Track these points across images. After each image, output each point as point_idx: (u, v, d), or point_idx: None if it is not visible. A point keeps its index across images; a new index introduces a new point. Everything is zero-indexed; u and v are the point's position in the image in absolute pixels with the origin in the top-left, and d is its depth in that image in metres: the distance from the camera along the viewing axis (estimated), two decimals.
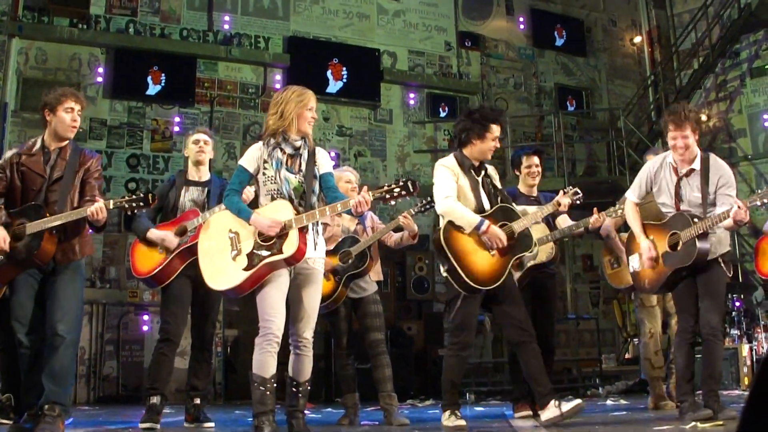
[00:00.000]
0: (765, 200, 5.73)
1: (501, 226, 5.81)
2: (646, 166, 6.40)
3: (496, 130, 6.03)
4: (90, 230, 5.63)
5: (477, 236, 5.83)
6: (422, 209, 7.09)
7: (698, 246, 5.76)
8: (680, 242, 5.87)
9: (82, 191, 5.45)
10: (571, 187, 6.38)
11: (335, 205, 5.04)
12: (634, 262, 6.37)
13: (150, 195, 5.40)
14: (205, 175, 7.04)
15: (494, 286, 5.80)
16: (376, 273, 7.10)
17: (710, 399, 5.76)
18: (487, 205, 5.96)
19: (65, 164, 5.50)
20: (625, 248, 6.71)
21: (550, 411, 5.73)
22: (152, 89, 13.58)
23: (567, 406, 5.66)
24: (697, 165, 5.99)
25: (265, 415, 4.94)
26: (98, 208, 5.22)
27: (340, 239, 6.97)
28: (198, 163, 7.01)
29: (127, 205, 5.36)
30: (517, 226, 5.82)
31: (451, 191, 5.94)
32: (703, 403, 5.79)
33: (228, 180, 7.60)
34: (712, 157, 6.07)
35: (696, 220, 5.82)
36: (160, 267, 6.61)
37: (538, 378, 5.86)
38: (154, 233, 6.68)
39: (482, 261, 5.82)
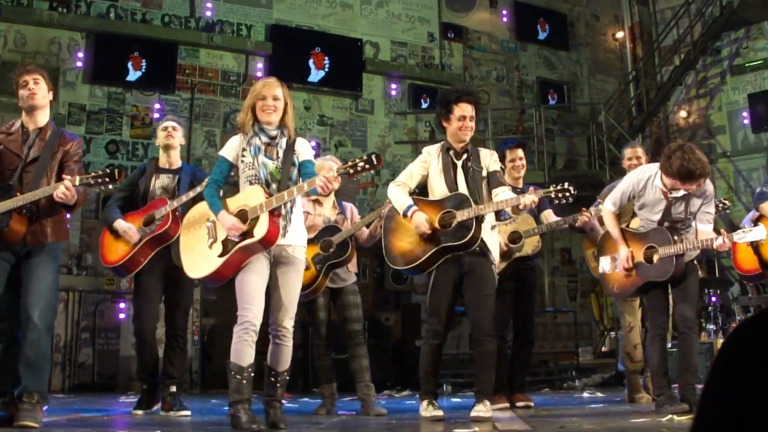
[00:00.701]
0: (750, 239, 5.79)
1: (446, 214, 5.73)
2: (628, 179, 6.29)
3: (458, 109, 5.91)
4: (68, 214, 5.55)
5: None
6: None
7: (675, 264, 5.86)
8: (656, 256, 5.92)
9: (60, 174, 5.35)
10: (556, 185, 6.12)
11: (302, 185, 5.02)
12: (605, 264, 6.41)
13: (116, 170, 5.27)
14: (176, 162, 7.03)
15: (407, 267, 5.91)
16: (353, 264, 7.08)
17: (687, 392, 5.79)
18: (462, 186, 5.87)
19: (43, 145, 5.43)
20: (597, 248, 6.72)
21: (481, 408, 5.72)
22: (132, 75, 13.47)
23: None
24: (678, 195, 5.99)
25: (241, 404, 4.91)
26: (65, 189, 5.11)
27: (321, 228, 6.95)
28: (167, 148, 6.99)
29: (93, 182, 5.20)
30: (459, 216, 5.68)
31: (404, 178, 6.04)
32: (680, 396, 5.82)
33: (200, 168, 7.60)
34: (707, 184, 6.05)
35: (676, 237, 5.88)
36: (128, 256, 6.65)
37: (479, 375, 5.84)
38: (119, 224, 6.70)
39: (405, 242, 5.89)
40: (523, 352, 7.59)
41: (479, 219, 5.68)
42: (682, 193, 5.89)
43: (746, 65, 16.37)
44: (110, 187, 5.68)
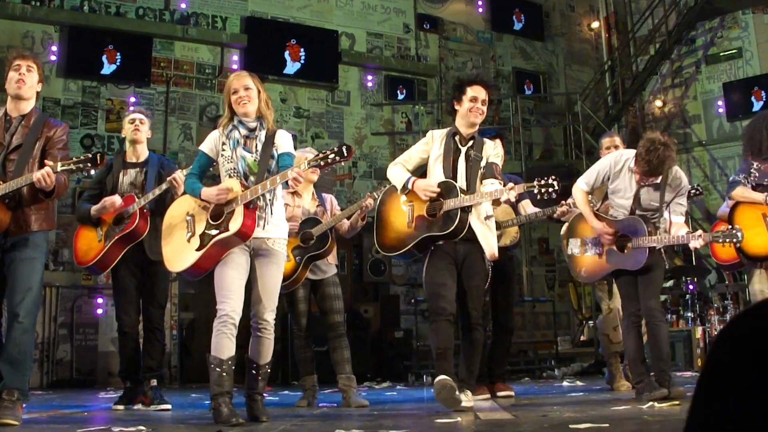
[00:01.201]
0: (727, 240, 5.83)
1: (434, 202, 5.73)
2: (605, 160, 6.39)
3: (471, 90, 5.89)
4: (45, 197, 5.46)
5: (406, 204, 5.88)
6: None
7: (647, 256, 5.92)
8: (629, 245, 5.99)
9: (43, 161, 5.26)
10: (540, 179, 6.08)
11: (274, 178, 5.01)
12: (574, 246, 6.48)
13: (98, 155, 5.21)
14: (143, 155, 7.00)
15: (394, 253, 5.94)
16: (333, 256, 7.07)
17: (662, 378, 5.85)
18: (461, 175, 5.85)
19: (27, 132, 5.36)
20: (567, 229, 6.77)
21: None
22: (107, 68, 13.36)
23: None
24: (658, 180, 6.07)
25: (222, 397, 4.89)
26: (44, 174, 5.05)
27: (301, 220, 6.93)
28: (134, 142, 6.96)
29: (74, 167, 5.11)
30: (446, 205, 5.68)
31: (404, 158, 6.05)
32: (657, 383, 5.87)
33: (167, 157, 7.57)
34: (674, 168, 6.13)
35: (650, 229, 5.96)
36: (100, 255, 6.65)
37: (464, 364, 5.84)
38: (94, 208, 6.68)
39: (395, 228, 5.91)
40: (502, 342, 7.61)
41: (466, 209, 5.67)
42: (652, 180, 6.02)
43: (721, 54, 16.46)
44: (92, 172, 5.62)
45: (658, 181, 5.99)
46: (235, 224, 4.96)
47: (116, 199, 6.61)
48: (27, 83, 5.41)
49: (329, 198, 7.33)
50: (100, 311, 11.84)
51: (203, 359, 12.46)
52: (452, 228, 5.62)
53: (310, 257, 6.80)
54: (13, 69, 5.41)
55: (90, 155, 5.16)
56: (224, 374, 4.94)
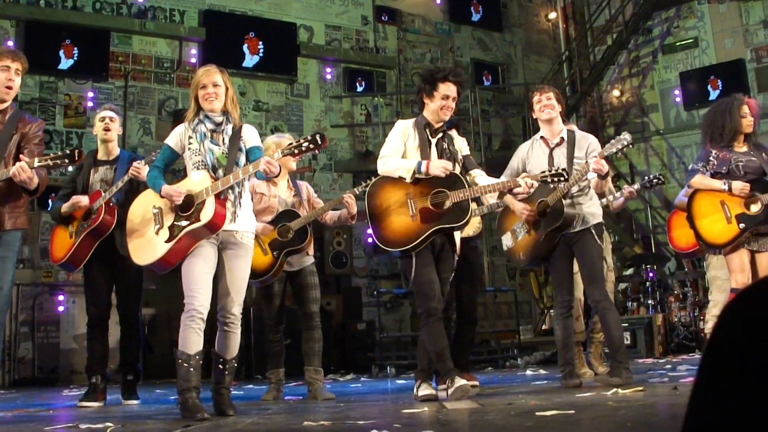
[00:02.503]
0: (619, 146, 5.98)
1: (437, 193, 5.64)
2: (518, 150, 6.65)
3: (444, 87, 5.85)
4: (30, 196, 5.41)
5: (403, 196, 5.73)
6: (366, 189, 7.08)
7: (565, 204, 6.08)
8: (548, 207, 6.13)
9: (18, 157, 5.20)
10: (550, 169, 6.07)
11: (247, 167, 5.02)
12: (507, 240, 6.64)
13: (76, 151, 5.19)
14: (114, 152, 7.00)
15: (402, 249, 5.70)
16: (310, 247, 7.05)
17: (614, 363, 6.05)
18: None
19: (2, 128, 5.31)
20: (498, 230, 6.91)
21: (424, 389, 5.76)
22: (65, 63, 13.25)
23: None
24: (564, 135, 6.37)
25: (189, 392, 4.88)
26: (19, 168, 5.01)
27: (277, 211, 6.90)
28: (105, 141, 6.96)
29: (52, 163, 5.09)
30: (455, 196, 5.61)
31: (390, 151, 5.86)
32: (612, 371, 6.07)
33: (138, 154, 7.55)
34: (576, 130, 6.53)
35: (559, 185, 6.08)
36: (71, 251, 6.66)
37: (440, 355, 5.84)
38: (66, 204, 6.71)
39: (398, 222, 5.73)
40: (466, 332, 7.65)
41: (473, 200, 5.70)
42: (557, 138, 6.36)
43: (677, 44, 16.64)
44: (69, 169, 5.58)
45: (564, 137, 6.35)
46: (206, 215, 4.95)
47: (82, 198, 6.62)
48: (14, 89, 5.37)
49: (304, 185, 7.27)
50: (61, 308, 11.75)
51: (166, 355, 12.49)
52: (465, 219, 5.62)
53: (288, 252, 6.77)
54: (2, 69, 5.34)
55: (68, 151, 5.13)
56: (191, 369, 4.93)
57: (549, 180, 5.73)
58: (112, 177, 6.82)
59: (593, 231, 6.22)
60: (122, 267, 6.71)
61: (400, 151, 5.88)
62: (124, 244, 6.39)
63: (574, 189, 6.12)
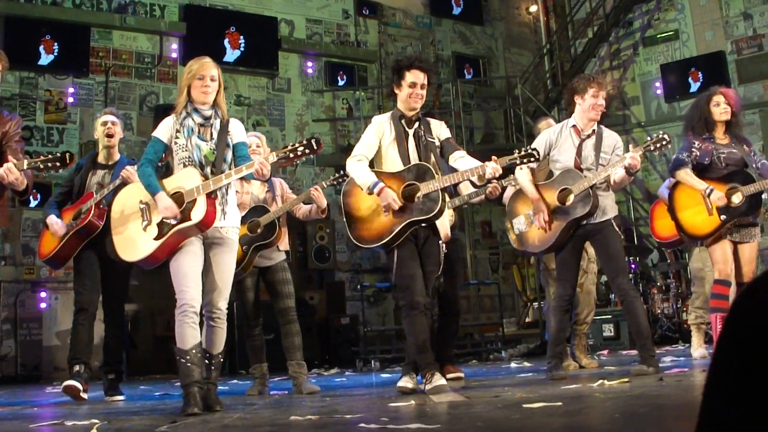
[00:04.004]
0: (657, 145, 6.02)
1: (408, 186, 5.65)
2: (544, 133, 6.59)
3: (410, 76, 5.83)
4: (20, 197, 5.37)
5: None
6: (334, 182, 7.07)
7: (593, 196, 6.07)
8: (572, 195, 6.11)
9: (1, 157, 5.15)
10: (519, 150, 6.01)
11: (240, 168, 4.98)
12: (520, 224, 6.60)
13: (67, 154, 5.18)
14: (114, 156, 7.02)
15: (377, 245, 5.71)
16: (283, 243, 7.04)
17: (645, 353, 6.01)
18: (414, 156, 5.82)
19: None
20: (507, 214, 6.88)
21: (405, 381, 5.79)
22: (45, 59, 13.11)
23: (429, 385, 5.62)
24: (594, 128, 6.36)
25: (191, 386, 4.88)
26: (6, 170, 4.98)
27: (249, 208, 6.89)
28: (107, 147, 6.97)
29: (42, 165, 5.08)
30: (425, 188, 5.60)
31: (362, 150, 5.85)
32: (640, 359, 6.04)
33: (136, 160, 7.50)
34: (603, 127, 6.50)
35: (586, 174, 6.15)
36: (56, 249, 6.69)
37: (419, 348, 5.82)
38: (48, 219, 6.74)
39: (372, 219, 5.74)
40: (449, 325, 7.65)
41: (444, 190, 5.66)
42: (590, 130, 6.33)
43: (658, 36, 16.67)
44: (60, 171, 5.58)
45: (594, 130, 6.35)
46: (197, 214, 4.92)
47: (59, 230, 6.64)
48: None
49: (278, 182, 7.26)
50: (43, 305, 11.70)
51: (149, 351, 12.45)
52: (436, 210, 5.58)
53: (257, 246, 6.76)
54: None
55: (59, 154, 5.13)
56: (190, 364, 4.92)
57: (518, 161, 5.70)
58: (108, 182, 6.81)
59: (613, 222, 6.28)
60: (111, 269, 6.76)
61: (373, 149, 5.89)
62: (110, 248, 6.43)
63: (594, 181, 6.10)
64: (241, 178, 5.93)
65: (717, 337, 1.41)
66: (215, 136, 5.22)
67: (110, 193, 6.56)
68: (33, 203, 6.88)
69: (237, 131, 5.34)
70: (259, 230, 6.76)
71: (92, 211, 6.54)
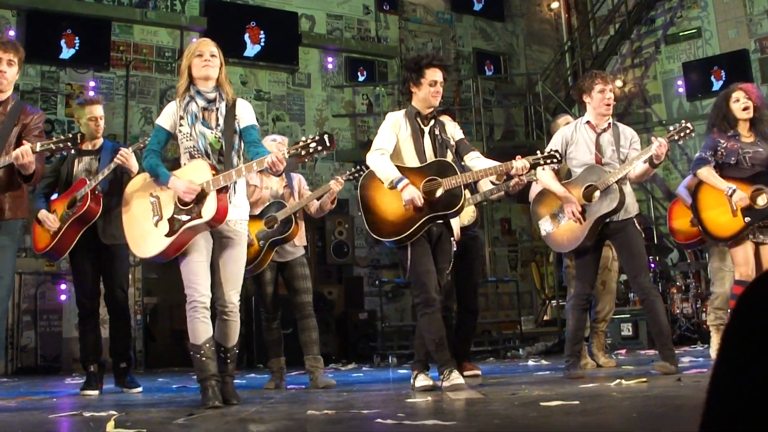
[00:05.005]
0: (681, 134, 5.99)
1: (429, 182, 5.62)
2: (560, 131, 6.59)
3: (430, 74, 5.83)
4: (24, 182, 5.37)
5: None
6: (353, 176, 7.05)
7: (620, 192, 6.05)
8: (597, 192, 6.09)
9: (19, 146, 5.18)
10: (542, 151, 5.85)
11: (251, 164, 4.89)
12: (546, 225, 6.53)
13: (79, 135, 5.20)
14: (98, 142, 6.98)
15: (395, 239, 5.68)
16: (300, 238, 7.05)
17: (665, 353, 6.01)
18: (429, 153, 5.80)
19: (4, 118, 5.29)
20: (531, 216, 6.86)
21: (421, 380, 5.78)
22: (66, 53, 13.16)
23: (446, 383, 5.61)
24: (609, 122, 6.39)
25: (207, 380, 4.89)
26: (23, 151, 4.99)
27: (268, 203, 6.91)
28: (94, 138, 6.94)
29: (54, 147, 5.08)
30: (447, 183, 5.58)
31: (384, 144, 5.81)
32: (661, 358, 6.04)
33: (121, 144, 7.51)
34: (618, 122, 6.52)
35: (609, 169, 6.13)
36: (55, 241, 6.65)
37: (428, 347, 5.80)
38: (41, 214, 6.71)
39: (391, 213, 5.70)
40: (467, 322, 7.66)
41: (465, 186, 5.65)
42: (605, 124, 6.34)
43: (680, 34, 16.57)
44: (72, 152, 5.58)
45: (609, 124, 6.37)
46: (208, 211, 4.86)
47: (54, 224, 6.63)
48: (8, 78, 5.34)
49: (297, 178, 7.27)
50: (63, 297, 11.75)
51: (167, 344, 12.50)
52: (458, 206, 5.58)
53: (273, 241, 6.77)
54: None
55: (70, 135, 5.13)
56: (204, 358, 4.92)
57: (541, 162, 5.69)
58: (97, 167, 6.79)
59: (635, 220, 6.27)
60: (108, 256, 6.77)
61: (392, 143, 5.85)
62: (107, 233, 6.45)
63: (619, 176, 6.08)
64: (260, 171, 5.91)
65: (722, 333, 1.40)
66: (221, 121, 5.13)
67: (105, 179, 6.58)
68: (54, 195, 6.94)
69: (245, 114, 5.24)
70: (275, 225, 6.77)
71: (89, 198, 6.50)
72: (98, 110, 6.94)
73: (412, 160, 5.80)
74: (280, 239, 6.80)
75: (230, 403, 5.04)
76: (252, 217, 6.74)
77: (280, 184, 7.07)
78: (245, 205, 5.32)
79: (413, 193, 5.53)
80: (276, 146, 6.74)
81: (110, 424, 3.69)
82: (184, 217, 4.90)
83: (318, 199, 7.00)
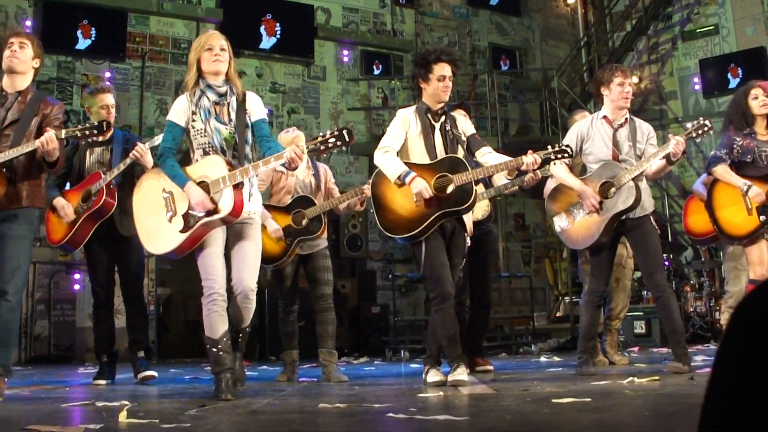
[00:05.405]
0: (699, 131, 5.95)
1: (440, 178, 5.60)
2: (575, 126, 6.55)
3: (438, 68, 5.81)
4: (49, 169, 5.38)
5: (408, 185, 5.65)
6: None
7: (636, 189, 6.03)
8: (613, 189, 6.06)
9: (39, 136, 5.20)
10: (554, 145, 5.84)
11: (268, 159, 4.85)
12: (561, 222, 6.49)
13: (104, 123, 5.23)
14: (109, 133, 6.90)
15: (406, 235, 5.67)
16: (324, 231, 7.02)
17: (678, 351, 5.99)
18: (440, 149, 5.78)
19: (23, 108, 5.33)
20: (546, 213, 6.83)
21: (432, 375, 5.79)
22: (82, 43, 13.21)
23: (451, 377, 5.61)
24: (626, 117, 6.36)
25: (222, 373, 4.89)
26: (48, 138, 5.01)
27: (293, 193, 6.88)
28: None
29: (80, 134, 5.12)
30: (458, 179, 5.56)
31: (389, 142, 5.79)
32: (674, 356, 6.04)
33: (131, 133, 7.50)
34: (634, 117, 6.49)
35: (625, 166, 6.10)
36: (70, 234, 6.65)
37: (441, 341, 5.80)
38: (57, 201, 6.67)
39: (402, 209, 5.69)
40: (480, 317, 7.65)
41: (476, 182, 5.64)
42: (622, 119, 6.31)
43: (697, 31, 16.51)
44: (99, 139, 5.60)
45: (626, 119, 6.34)
46: (225, 206, 4.85)
47: (71, 214, 6.62)
48: (20, 57, 5.38)
49: (323, 168, 7.23)
50: (77, 287, 11.80)
51: (181, 334, 12.53)
52: (469, 202, 5.57)
53: (301, 240, 6.76)
54: (7, 47, 5.40)
55: (96, 123, 5.16)
56: (221, 352, 4.91)
57: (552, 156, 5.68)
58: (109, 158, 6.79)
59: (651, 217, 6.27)
60: (124, 247, 6.77)
61: (400, 141, 5.83)
62: (124, 224, 6.45)
63: (636, 173, 6.05)
64: None
65: (723, 334, 1.40)
66: (233, 116, 5.11)
67: (120, 174, 6.58)
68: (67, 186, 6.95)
69: (255, 107, 5.22)
70: (304, 222, 6.74)
71: (104, 192, 6.50)
72: (109, 98, 6.92)
73: (422, 157, 5.77)
74: (308, 238, 6.80)
75: (235, 385, 5.09)
76: (278, 209, 6.78)
77: (307, 172, 7.04)
78: (258, 195, 5.32)
79: (421, 184, 5.54)
80: (293, 140, 6.76)
81: (122, 414, 3.70)
82: (200, 213, 4.87)
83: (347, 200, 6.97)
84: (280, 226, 6.69)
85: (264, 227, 6.43)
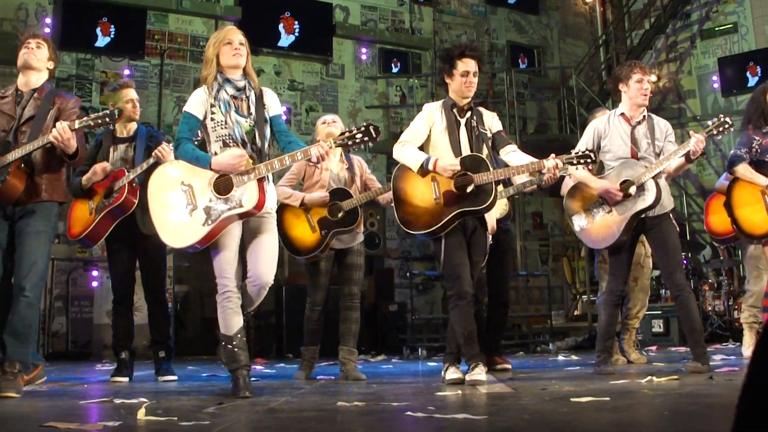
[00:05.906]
0: (720, 129, 5.92)
1: (461, 176, 5.58)
2: (592, 123, 6.52)
3: (462, 64, 5.78)
4: (69, 161, 5.39)
5: (428, 179, 5.68)
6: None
7: (656, 187, 6.00)
8: (633, 187, 6.03)
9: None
10: (577, 150, 5.80)
11: (294, 154, 4.87)
12: (580, 221, 6.44)
13: (117, 110, 5.23)
14: (132, 128, 6.97)
15: (424, 232, 5.66)
16: (359, 224, 6.97)
17: (697, 350, 5.98)
18: (465, 146, 5.75)
19: (38, 104, 5.36)
20: (565, 213, 6.79)
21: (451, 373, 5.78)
22: (101, 41, 13.29)
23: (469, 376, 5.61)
24: (644, 114, 6.32)
25: (239, 371, 4.90)
26: (61, 129, 5.02)
27: (328, 186, 6.86)
28: (131, 120, 6.94)
29: (93, 123, 5.11)
30: (478, 179, 5.54)
31: (409, 137, 5.81)
32: (693, 355, 6.03)
33: (154, 129, 7.51)
34: (652, 114, 6.44)
35: (645, 164, 6.07)
36: (90, 228, 6.66)
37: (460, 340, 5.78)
38: (85, 177, 6.67)
39: (421, 205, 5.69)
40: (498, 315, 7.63)
41: (497, 182, 5.62)
42: (640, 116, 6.28)
43: (716, 29, 16.44)
44: (111, 128, 5.61)
45: (644, 116, 6.31)
46: (249, 201, 4.85)
47: (105, 164, 6.63)
48: (36, 55, 5.45)
49: (357, 160, 7.19)
50: (95, 284, 11.84)
51: (198, 332, 12.55)
52: (489, 202, 5.54)
53: (336, 232, 6.75)
54: (24, 46, 5.48)
55: (108, 110, 5.17)
56: (236, 349, 4.93)
57: (575, 161, 5.65)
58: (132, 155, 6.80)
59: (671, 215, 6.25)
60: (145, 245, 6.77)
61: (420, 136, 5.83)
62: (146, 223, 6.42)
63: (656, 171, 6.03)
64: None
65: (758, 339, 1.38)
66: (252, 110, 5.11)
67: (143, 172, 6.57)
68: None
69: (272, 103, 5.24)
70: (339, 215, 6.73)
71: (125, 190, 6.51)
72: (133, 93, 6.98)
73: (447, 154, 5.73)
74: (343, 231, 6.78)
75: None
76: (315, 203, 6.77)
77: (340, 166, 7.01)
78: (274, 191, 5.32)
79: (445, 163, 5.58)
80: (324, 131, 6.80)
81: (141, 412, 3.71)
82: (223, 206, 4.87)
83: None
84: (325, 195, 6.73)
85: (304, 209, 6.68)
